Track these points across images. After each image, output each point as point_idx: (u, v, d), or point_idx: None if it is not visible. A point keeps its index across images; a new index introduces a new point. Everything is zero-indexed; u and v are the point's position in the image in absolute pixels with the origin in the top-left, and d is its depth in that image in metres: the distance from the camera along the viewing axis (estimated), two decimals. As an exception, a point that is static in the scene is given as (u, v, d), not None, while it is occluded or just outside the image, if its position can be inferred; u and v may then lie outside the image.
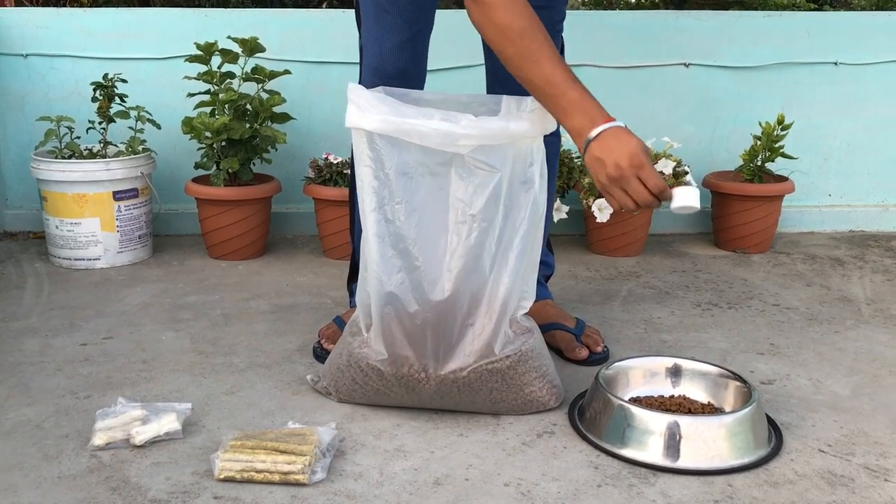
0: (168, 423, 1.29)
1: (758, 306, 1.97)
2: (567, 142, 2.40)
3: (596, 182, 1.29)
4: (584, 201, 2.30)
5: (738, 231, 2.43)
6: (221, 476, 1.18)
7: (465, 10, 1.66)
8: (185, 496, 1.15)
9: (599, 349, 1.63)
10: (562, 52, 1.65)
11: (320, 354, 1.61)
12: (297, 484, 1.17)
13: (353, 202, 1.68)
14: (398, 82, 1.47)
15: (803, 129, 2.61)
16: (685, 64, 2.61)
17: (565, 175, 2.36)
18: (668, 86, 2.61)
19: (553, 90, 1.27)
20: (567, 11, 1.65)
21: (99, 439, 1.27)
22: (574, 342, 1.63)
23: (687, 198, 1.25)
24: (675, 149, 2.38)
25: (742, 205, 2.40)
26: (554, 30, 1.59)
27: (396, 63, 1.51)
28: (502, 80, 1.58)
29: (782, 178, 2.47)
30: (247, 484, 1.17)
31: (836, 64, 2.65)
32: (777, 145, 2.41)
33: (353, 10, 1.61)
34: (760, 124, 2.43)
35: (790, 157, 2.44)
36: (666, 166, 2.32)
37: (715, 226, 2.51)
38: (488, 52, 1.62)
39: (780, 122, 2.40)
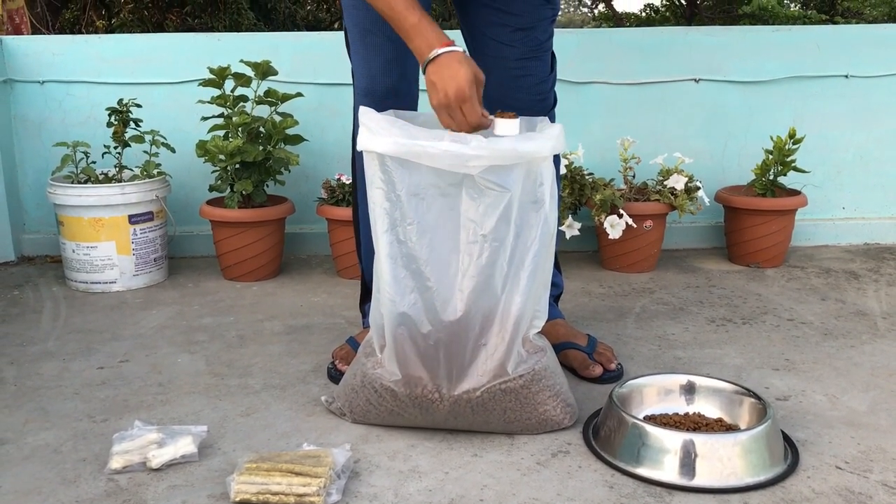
0: (184, 445, 1.30)
1: (772, 321, 1.96)
2: (578, 159, 2.41)
3: (429, 101, 1.35)
4: (597, 218, 2.30)
5: (752, 245, 2.42)
6: (237, 498, 1.18)
7: (458, 30, 1.68)
8: (202, 519, 1.15)
9: (613, 366, 1.63)
10: (552, 68, 1.65)
11: (334, 375, 1.62)
12: (313, 506, 1.17)
13: (357, 223, 1.69)
14: (391, 101, 1.48)
15: (815, 142, 2.60)
16: (695, 79, 2.62)
17: (577, 192, 2.36)
18: (678, 101, 2.62)
19: (395, 15, 1.35)
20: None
21: (116, 463, 1.28)
22: (587, 360, 1.63)
23: (506, 128, 1.34)
24: (686, 164, 2.38)
25: (755, 219, 2.40)
26: (541, 49, 1.60)
27: (385, 81, 1.52)
28: (496, 100, 1.59)
29: (795, 192, 2.46)
30: (262, 506, 1.18)
31: (846, 77, 2.64)
32: (789, 159, 2.41)
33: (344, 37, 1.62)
34: (772, 138, 2.43)
35: (802, 171, 2.44)
36: (678, 182, 2.32)
37: (728, 240, 2.51)
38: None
39: (792, 135, 2.40)
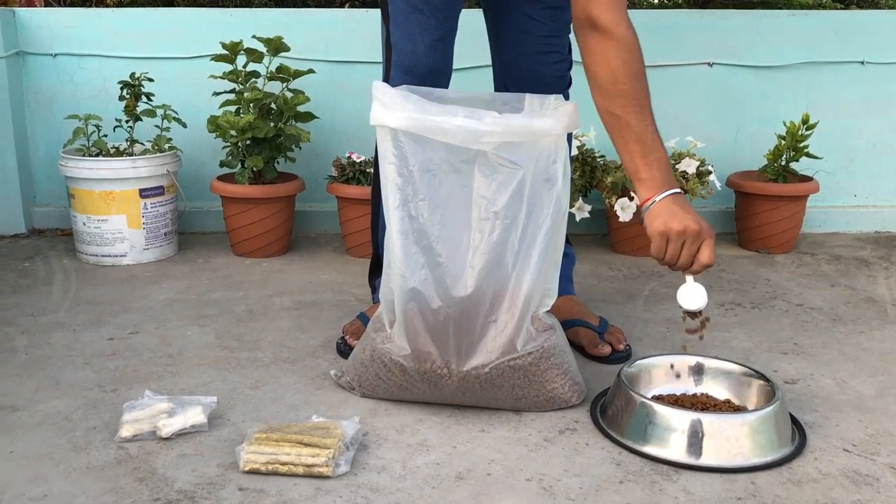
0: (194, 415, 1.31)
1: (782, 306, 1.96)
2: (589, 141, 2.41)
3: (657, 229, 1.33)
4: (607, 200, 2.30)
5: (762, 231, 2.42)
6: (246, 468, 1.19)
7: (482, 9, 1.67)
8: (211, 487, 1.16)
9: (622, 347, 1.63)
10: (569, 51, 1.65)
11: (344, 350, 1.62)
12: (321, 476, 1.18)
13: (375, 198, 1.69)
14: (430, 81, 1.47)
15: (829, 128, 2.59)
16: (709, 63, 2.60)
17: (588, 174, 2.36)
18: (691, 85, 2.60)
19: (647, 141, 1.34)
20: None
21: (126, 431, 1.29)
22: (597, 339, 1.63)
23: (686, 300, 1.38)
24: (698, 148, 2.37)
25: (766, 205, 2.39)
26: (567, 28, 1.59)
27: (430, 62, 1.51)
28: (514, 77, 1.59)
29: (807, 178, 2.45)
30: (271, 476, 1.19)
31: (862, 63, 2.62)
32: (802, 145, 2.40)
33: (379, 9, 1.61)
34: (785, 124, 2.42)
35: (815, 157, 2.42)
36: (689, 166, 2.31)
37: (739, 226, 2.50)
38: (496, 51, 1.63)
39: (805, 121, 2.38)
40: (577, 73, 1.65)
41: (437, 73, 1.52)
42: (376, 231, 1.69)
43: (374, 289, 1.72)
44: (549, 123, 1.30)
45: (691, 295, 1.37)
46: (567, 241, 1.80)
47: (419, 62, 1.51)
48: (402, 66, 1.53)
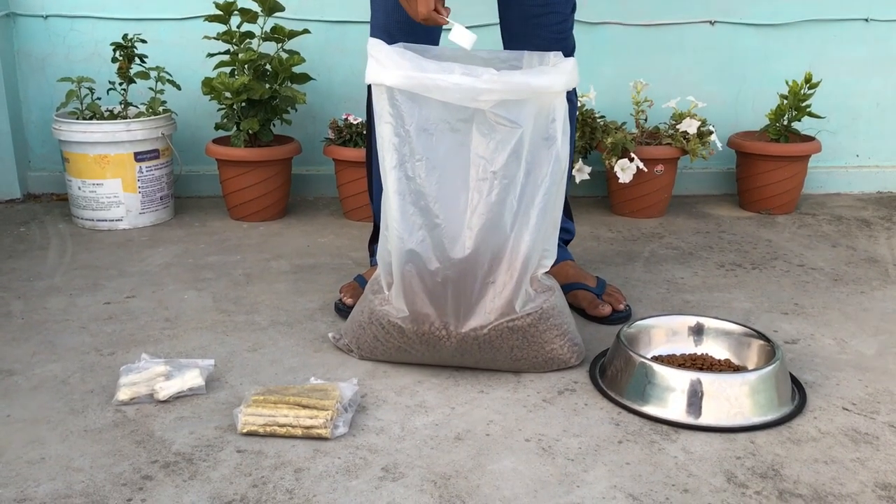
0: (191, 378, 1.30)
1: (782, 267, 1.95)
2: (589, 101, 2.38)
3: None
4: (607, 162, 2.27)
5: (764, 192, 2.40)
6: (244, 430, 1.19)
7: None
8: (209, 449, 1.16)
9: (622, 307, 1.63)
10: (572, 52, 1.57)
11: (342, 309, 1.62)
12: (320, 438, 1.18)
13: (370, 164, 1.66)
14: (403, 37, 1.43)
15: (831, 88, 2.56)
16: (711, 21, 2.56)
17: (588, 135, 2.33)
18: (693, 44, 2.56)
19: None
20: None
21: (123, 394, 1.28)
22: (596, 300, 1.62)
23: (462, 37, 1.32)
24: (699, 108, 2.34)
25: (767, 165, 2.37)
26: (558, 37, 1.53)
27: (399, 15, 1.45)
28: (518, 35, 1.55)
29: (809, 138, 2.42)
30: (269, 438, 1.18)
31: (866, 21, 2.58)
32: (804, 104, 2.37)
33: None
34: (787, 83, 2.39)
35: (817, 117, 2.40)
36: (690, 126, 2.29)
37: (740, 186, 2.48)
38: (503, 8, 1.59)
39: (808, 80, 2.35)
40: (576, 32, 1.62)
41: (410, 28, 1.46)
42: (373, 196, 1.67)
43: (372, 253, 1.71)
44: (548, 80, 1.27)
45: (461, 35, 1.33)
46: (569, 216, 1.78)
47: (389, 18, 1.48)
48: (379, 26, 1.50)
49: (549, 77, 1.27)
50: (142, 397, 1.29)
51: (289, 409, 1.19)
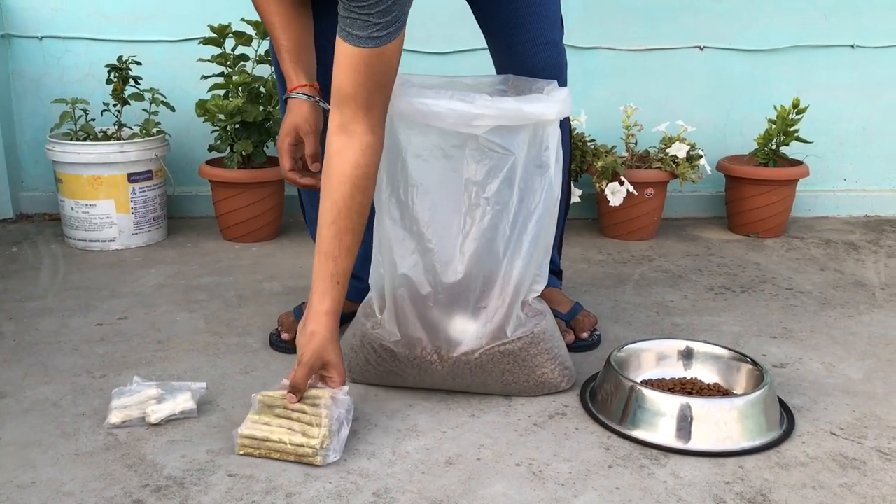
0: (183, 401, 1.31)
1: (771, 290, 1.97)
2: (580, 125, 2.40)
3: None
4: (598, 185, 2.30)
5: (752, 215, 2.42)
6: (241, 452, 1.19)
7: None
8: (200, 473, 1.16)
9: (585, 335, 1.61)
10: (563, 70, 1.54)
11: (277, 344, 1.59)
12: (311, 465, 1.18)
13: (302, 193, 1.69)
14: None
15: (819, 112, 2.59)
16: (700, 47, 2.59)
17: (578, 158, 2.35)
18: (682, 69, 2.60)
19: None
20: None
21: (115, 417, 1.28)
22: (562, 326, 1.58)
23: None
24: (689, 132, 2.37)
25: (756, 189, 2.39)
26: (543, 51, 1.50)
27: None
28: (506, 65, 1.54)
29: (797, 162, 2.45)
30: (261, 462, 1.19)
31: (853, 47, 2.62)
32: (792, 129, 2.40)
33: None
34: (775, 108, 2.42)
35: (805, 141, 2.43)
36: (680, 150, 2.31)
37: (729, 210, 2.50)
38: (488, 35, 1.59)
39: (796, 105, 2.38)
40: (572, 57, 1.64)
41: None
42: (307, 219, 1.67)
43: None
44: (542, 108, 1.29)
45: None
46: (559, 249, 1.74)
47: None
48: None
49: (542, 104, 1.29)
50: (133, 420, 1.29)
51: (283, 433, 1.19)
